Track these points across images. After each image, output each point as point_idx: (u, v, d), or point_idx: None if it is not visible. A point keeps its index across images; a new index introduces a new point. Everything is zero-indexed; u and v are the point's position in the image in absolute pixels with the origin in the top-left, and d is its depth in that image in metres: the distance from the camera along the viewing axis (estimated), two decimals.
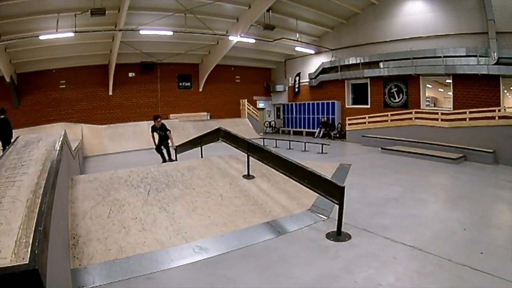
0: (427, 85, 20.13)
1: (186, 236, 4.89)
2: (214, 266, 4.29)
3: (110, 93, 21.46)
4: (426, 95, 20.02)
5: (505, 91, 17.69)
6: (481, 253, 4.99)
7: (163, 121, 12.40)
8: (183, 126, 19.87)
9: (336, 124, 23.27)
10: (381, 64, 20.47)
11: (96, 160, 14.96)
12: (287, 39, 21.97)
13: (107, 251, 4.34)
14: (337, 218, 5.43)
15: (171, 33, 17.95)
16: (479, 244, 5.31)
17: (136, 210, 5.55)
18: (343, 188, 5.47)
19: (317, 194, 6.19)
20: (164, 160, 11.90)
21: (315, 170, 6.13)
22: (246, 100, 25.68)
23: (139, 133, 18.57)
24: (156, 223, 5.20)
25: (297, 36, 21.66)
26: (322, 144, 15.75)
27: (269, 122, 27.86)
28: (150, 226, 5.09)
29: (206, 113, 24.65)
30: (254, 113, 26.44)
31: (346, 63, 22.58)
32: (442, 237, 5.64)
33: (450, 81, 18.16)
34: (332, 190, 5.66)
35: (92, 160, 15.20)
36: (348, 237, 5.36)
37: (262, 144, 13.81)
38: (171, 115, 23.12)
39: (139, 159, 13.86)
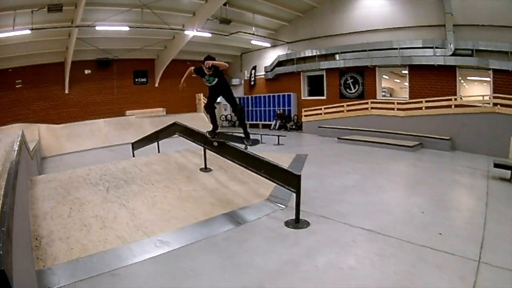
0: (384, 76, 20.67)
1: (147, 231, 4.95)
2: (176, 259, 4.36)
3: (67, 91, 20.91)
4: (383, 85, 20.52)
5: (462, 81, 18.34)
6: (440, 234, 5.27)
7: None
8: (140, 123, 19.68)
9: (292, 115, 23.53)
10: (337, 56, 20.82)
11: (55, 161, 14.63)
12: (243, 32, 22.06)
13: (70, 251, 4.34)
14: (294, 207, 5.59)
15: (127, 28, 17.82)
16: (438, 226, 5.59)
17: (96, 208, 5.56)
18: (299, 176, 5.64)
19: (275, 184, 6.37)
20: (215, 128, 7.86)
21: (271, 160, 6.32)
22: (202, 94, 25.54)
23: (96, 131, 18.31)
24: (116, 219, 5.23)
25: (253, 29, 21.78)
26: (279, 136, 15.97)
27: (225, 116, 27.87)
28: (111, 223, 5.11)
29: (162, 109, 24.45)
30: None
31: (302, 55, 22.85)
32: (401, 221, 5.90)
33: (407, 72, 18.66)
34: (288, 179, 5.83)
35: (50, 160, 14.86)
36: (307, 224, 5.54)
37: None
38: (127, 111, 22.81)
39: (97, 157, 13.57)
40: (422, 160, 11.91)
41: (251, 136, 7.57)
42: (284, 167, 6.15)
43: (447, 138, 14.56)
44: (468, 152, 13.70)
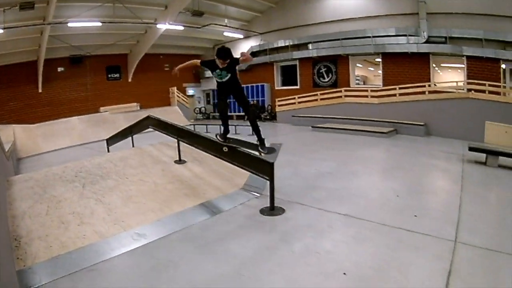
0: (358, 65, 20.95)
1: (124, 225, 5.00)
2: (154, 251, 4.42)
3: (40, 90, 20.63)
4: (356, 74, 20.79)
5: (436, 68, 18.80)
6: (415, 216, 5.45)
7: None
8: (114, 118, 19.61)
9: (266, 106, 23.69)
10: (310, 46, 21.02)
11: (31, 161, 14.52)
12: (216, 24, 22.03)
13: (49, 249, 4.36)
14: (269, 194, 5.69)
15: (99, 24, 17.66)
16: (414, 209, 5.77)
17: (73, 205, 5.57)
18: (272, 164, 5.74)
19: (249, 173, 6.49)
20: (227, 131, 6.79)
21: (244, 149, 6.43)
22: (175, 88, 25.64)
23: (71, 129, 18.23)
24: (93, 215, 5.26)
25: (226, 21, 21.86)
26: None
27: (200, 109, 28.00)
28: (88, 218, 5.14)
29: (136, 104, 24.35)
30: (184, 100, 26.46)
31: (275, 46, 23.00)
32: (377, 205, 6.07)
33: (380, 60, 18.99)
34: (262, 167, 5.93)
35: (27, 161, 14.74)
36: (282, 211, 5.65)
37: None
38: (101, 108, 22.68)
39: (73, 155, 13.50)
40: (397, 146, 12.13)
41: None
42: (257, 155, 6.26)
43: (422, 123, 14.92)
44: (443, 137, 14.06)
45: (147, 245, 4.60)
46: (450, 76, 18.58)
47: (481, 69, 16.64)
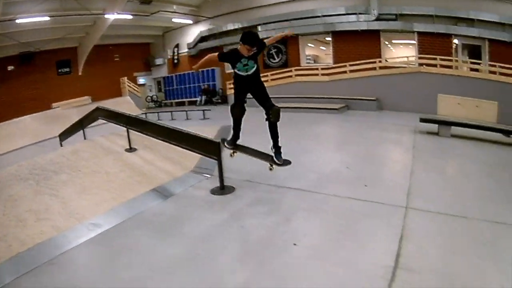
0: (309, 45, 21.16)
1: (79, 217, 5.07)
2: (110, 239, 4.49)
3: None
4: (308, 53, 21.03)
5: (388, 45, 19.26)
6: (365, 186, 5.73)
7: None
8: (67, 114, 18.90)
9: (217, 90, 23.84)
10: (259, 28, 20.92)
11: None
12: (164, 11, 21.90)
13: (9, 248, 4.38)
14: (218, 174, 5.83)
15: (48, 18, 17.36)
16: (365, 179, 6.03)
17: (29, 202, 5.62)
18: (218, 143, 5.89)
19: (200, 155, 6.59)
20: (237, 137, 6.13)
21: (191, 132, 6.58)
22: (126, 78, 25.38)
23: (24, 129, 17.73)
24: (49, 210, 5.32)
25: (174, 7, 21.82)
26: (204, 110, 16.03)
27: (151, 97, 27.92)
28: (44, 214, 5.19)
29: (88, 97, 23.92)
30: (136, 90, 26.22)
31: (225, 29, 22.92)
32: (328, 178, 6.31)
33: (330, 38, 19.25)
34: (209, 148, 6.06)
35: None
36: (232, 189, 5.81)
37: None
38: (53, 104, 22.29)
39: (28, 154, 13.17)
40: (348, 121, 12.46)
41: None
42: (203, 136, 6.38)
43: (373, 99, 15.32)
44: (395, 111, 14.49)
45: (103, 233, 4.64)
46: (402, 52, 19.01)
47: (432, 44, 17.23)
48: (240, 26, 22.00)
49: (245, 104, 5.77)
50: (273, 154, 5.73)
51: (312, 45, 21.64)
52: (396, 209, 4.94)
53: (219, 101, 23.17)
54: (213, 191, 5.81)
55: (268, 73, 19.59)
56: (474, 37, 17.56)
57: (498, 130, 10.92)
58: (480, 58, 17.22)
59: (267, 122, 5.79)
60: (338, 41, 19.05)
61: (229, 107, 5.63)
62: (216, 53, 5.66)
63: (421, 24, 17.19)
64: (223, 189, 5.80)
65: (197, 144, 6.35)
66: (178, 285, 3.42)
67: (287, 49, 20.78)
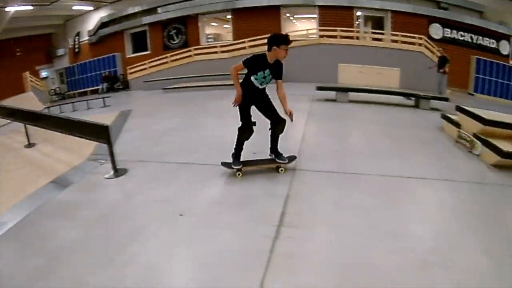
0: (212, 24, 21.47)
1: None
2: (18, 234, 4.40)
3: None
4: (210, 32, 21.23)
5: (293, 20, 20.42)
6: (254, 153, 5.96)
7: None
8: None
9: (118, 75, 23.25)
10: (159, 10, 20.88)
11: None
12: None
13: None
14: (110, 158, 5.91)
15: None
16: (255, 146, 6.05)
17: None
18: (106, 127, 5.88)
19: (96, 143, 6.63)
20: (239, 155, 5.44)
21: (80, 119, 6.60)
22: (28, 72, 23.89)
23: None
24: None
25: None
26: (103, 98, 15.79)
27: (54, 90, 26.52)
28: None
29: None
30: (38, 84, 24.78)
31: (125, 14, 22.47)
32: (216, 150, 6.50)
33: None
34: (99, 133, 6.06)
35: None
36: (125, 171, 5.91)
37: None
38: None
39: None
40: None
41: None
42: (92, 122, 6.32)
43: None
44: (298, 82, 14.78)
45: (8, 231, 4.49)
46: (306, 26, 19.79)
47: (334, 17, 18.21)
48: (140, 9, 21.72)
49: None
50: (276, 158, 5.55)
51: (215, 24, 21.85)
52: (284, 172, 5.37)
53: (121, 87, 22.52)
54: (108, 175, 5.88)
55: (168, 54, 19.55)
56: (377, 9, 18.75)
57: (395, 93, 11.96)
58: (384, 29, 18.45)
59: (269, 131, 5.45)
60: (238, 18, 19.38)
61: (237, 129, 5.25)
62: (240, 63, 5.05)
63: None
64: (116, 171, 5.88)
65: (88, 131, 6.33)
66: (76, 266, 3.53)
67: (186, 29, 20.77)
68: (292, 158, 5.65)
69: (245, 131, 5.21)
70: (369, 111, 10.15)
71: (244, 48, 17.30)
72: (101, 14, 23.79)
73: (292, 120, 5.21)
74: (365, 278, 3.08)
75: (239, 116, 5.19)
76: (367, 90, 11.60)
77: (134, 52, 23.32)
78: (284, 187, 4.87)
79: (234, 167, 5.40)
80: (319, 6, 18.36)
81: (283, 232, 3.76)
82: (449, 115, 8.45)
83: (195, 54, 18.54)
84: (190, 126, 8.65)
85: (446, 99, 11.71)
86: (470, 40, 19.71)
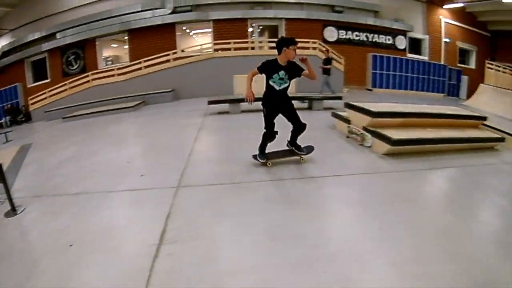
0: (113, 45, 21.38)
1: None
2: None
3: None
4: (108, 55, 21.21)
5: (193, 35, 21.17)
6: (142, 175, 6.05)
7: None
8: None
9: (20, 107, 22.16)
10: (58, 35, 20.51)
11: None
12: None
13: None
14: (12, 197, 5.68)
15: None
16: (144, 169, 6.32)
17: None
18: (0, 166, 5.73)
19: None
20: (264, 150, 6.23)
21: None
22: None
23: None
24: None
25: None
26: (6, 133, 15.39)
27: None
28: None
29: None
30: None
31: (26, 41, 21.65)
32: (108, 175, 6.47)
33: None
34: None
35: None
36: (22, 208, 5.64)
37: None
38: None
39: None
40: (143, 116, 12.70)
41: None
42: None
43: (169, 90, 16.07)
44: (193, 98, 15.29)
45: None
46: (204, 41, 20.01)
47: (229, 29, 18.78)
48: (40, 35, 21.15)
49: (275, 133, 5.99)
50: (296, 150, 6.28)
51: (116, 45, 21.71)
52: (168, 190, 5.33)
53: (23, 119, 21.19)
54: (7, 214, 5.59)
55: (66, 82, 18.92)
56: (271, 18, 19.38)
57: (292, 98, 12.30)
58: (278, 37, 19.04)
59: (291, 131, 6.10)
60: (134, 38, 19.45)
61: (262, 135, 5.98)
62: (255, 70, 5.58)
63: (216, 12, 18.62)
64: (14, 210, 5.62)
65: None
66: None
67: (84, 54, 20.50)
68: (310, 149, 6.48)
69: (268, 137, 5.95)
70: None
71: (140, 69, 17.27)
72: (2, 43, 22.93)
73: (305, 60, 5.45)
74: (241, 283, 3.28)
75: (263, 123, 5.92)
76: (258, 98, 11.65)
77: (34, 81, 22.41)
78: (166, 205, 4.89)
79: (259, 160, 6.19)
80: (214, 20, 18.88)
81: (162, 250, 3.81)
82: (339, 113, 9.06)
83: (93, 79, 18.15)
84: (85, 155, 8.38)
85: (339, 98, 12.41)
86: (365, 39, 21.45)
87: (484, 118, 8.95)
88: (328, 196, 5.13)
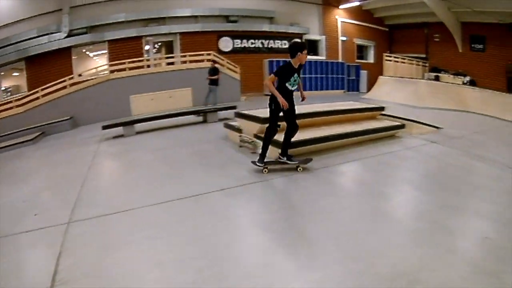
0: (14, 74, 20.23)
1: None
2: None
3: None
4: (10, 84, 20.26)
5: (95, 57, 20.62)
6: (35, 214, 5.55)
7: None
8: None
9: None
10: None
11: None
12: None
13: None
14: None
15: None
16: (36, 208, 5.83)
17: None
18: None
19: None
20: (264, 157, 6.58)
21: None
22: None
23: None
24: None
25: None
26: None
27: None
28: None
29: None
30: None
31: None
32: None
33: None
34: None
35: None
36: None
37: None
38: None
39: None
40: (41, 149, 11.77)
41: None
42: None
43: (67, 118, 15.35)
44: (92, 123, 14.73)
45: None
46: (103, 63, 19.70)
47: (124, 49, 18.82)
48: None
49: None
50: (287, 161, 6.67)
51: (17, 74, 21.05)
52: (58, 228, 4.94)
53: None
54: None
55: None
56: (166, 34, 19.52)
57: (181, 114, 12.70)
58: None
59: (283, 138, 6.52)
60: (31, 66, 18.66)
61: (266, 129, 6.44)
62: (271, 76, 6.15)
63: (111, 32, 18.64)
64: None
65: None
66: None
67: None
68: (308, 160, 6.80)
69: (272, 130, 6.36)
70: (157, 139, 10.56)
71: (37, 98, 16.03)
72: None
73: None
74: None
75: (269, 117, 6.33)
76: (153, 117, 11.97)
77: None
78: (56, 244, 4.50)
79: (258, 165, 6.54)
80: (109, 41, 18.79)
81: None
82: (231, 123, 9.28)
83: None
84: None
85: (233, 108, 12.43)
86: (261, 46, 22.35)
87: (382, 108, 9.59)
88: (213, 213, 5.13)
